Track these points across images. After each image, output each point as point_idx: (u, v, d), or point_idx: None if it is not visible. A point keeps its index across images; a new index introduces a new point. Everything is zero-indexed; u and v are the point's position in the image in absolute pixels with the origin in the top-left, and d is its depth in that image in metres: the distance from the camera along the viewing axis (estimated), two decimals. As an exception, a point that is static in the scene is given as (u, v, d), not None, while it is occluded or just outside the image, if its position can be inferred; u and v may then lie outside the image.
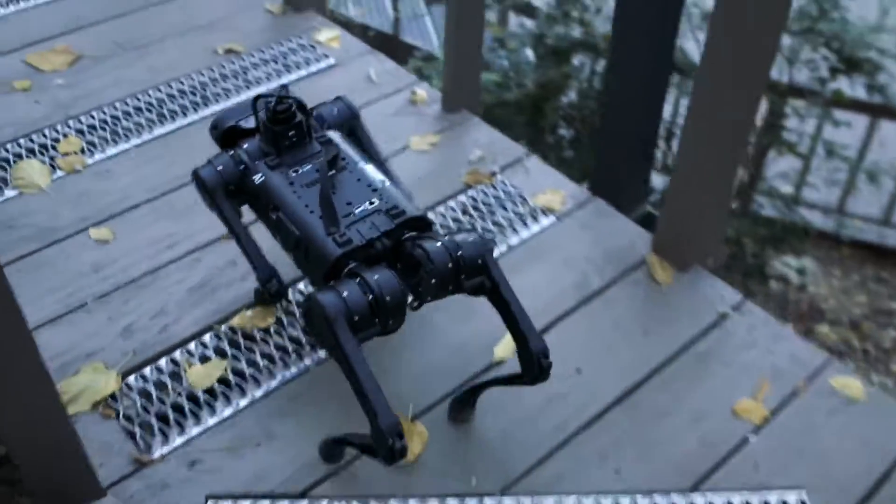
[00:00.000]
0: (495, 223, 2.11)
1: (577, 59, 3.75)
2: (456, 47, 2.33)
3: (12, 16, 2.80)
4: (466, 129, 2.39)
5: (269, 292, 1.72)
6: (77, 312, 1.88)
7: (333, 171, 1.55)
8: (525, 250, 2.05)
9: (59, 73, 2.53)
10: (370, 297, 1.34)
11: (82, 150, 2.27)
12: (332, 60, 2.61)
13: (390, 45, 5.75)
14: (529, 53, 3.88)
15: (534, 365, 1.44)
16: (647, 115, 2.47)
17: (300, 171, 1.55)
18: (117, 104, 2.42)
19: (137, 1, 2.85)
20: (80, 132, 2.33)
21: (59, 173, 2.21)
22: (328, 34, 2.71)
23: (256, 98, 1.59)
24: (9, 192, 2.16)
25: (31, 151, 2.27)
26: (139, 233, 2.05)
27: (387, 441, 1.29)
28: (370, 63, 2.61)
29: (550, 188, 2.21)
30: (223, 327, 1.85)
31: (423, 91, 2.49)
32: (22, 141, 2.30)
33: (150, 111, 2.41)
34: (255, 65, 2.58)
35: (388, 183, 1.56)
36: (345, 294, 1.33)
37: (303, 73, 2.56)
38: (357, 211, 1.48)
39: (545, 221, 2.13)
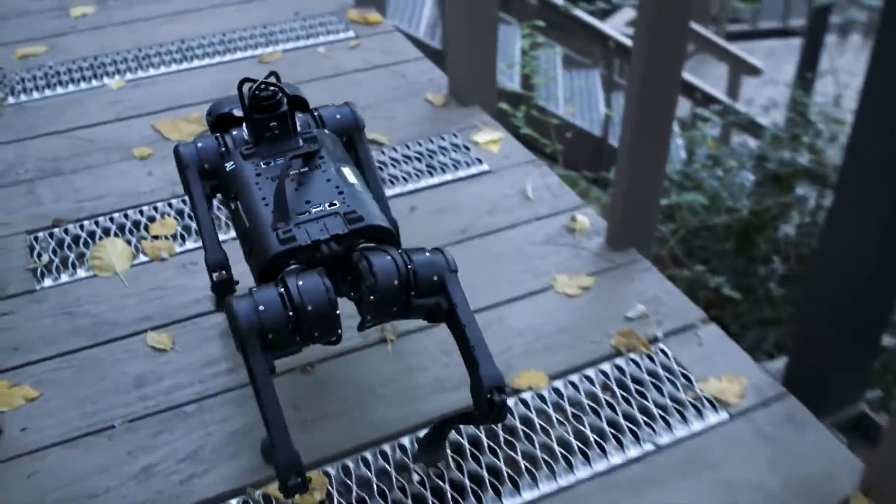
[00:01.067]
0: (643, 409, 1.59)
1: (800, 189, 3.29)
2: (630, 172, 1.86)
3: (160, 77, 2.63)
4: (630, 275, 1.90)
5: (216, 282, 1.45)
6: (99, 436, 1.55)
7: (304, 168, 1.41)
8: (676, 455, 1.52)
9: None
10: (289, 310, 1.23)
11: (174, 236, 1.98)
12: (485, 166, 2.21)
13: (597, 147, 5.36)
14: (748, 176, 3.44)
15: (483, 399, 1.26)
16: (881, 278, 1.85)
17: (271, 164, 1.43)
18: (231, 187, 2.14)
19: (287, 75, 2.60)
20: (180, 214, 2.06)
21: (142, 258, 1.93)
22: (488, 136, 2.32)
23: (242, 81, 1.46)
24: (81, 272, 1.90)
25: (121, 228, 2.01)
26: (200, 347, 1.71)
27: (283, 476, 1.22)
28: (529, 175, 2.18)
29: (728, 372, 1.67)
30: (257, 493, 1.45)
31: (585, 218, 2.03)
32: (116, 215, 2.05)
33: (263, 200, 2.10)
34: (395, 161, 2.23)
35: (358, 187, 1.40)
36: (261, 308, 1.23)
37: (447, 176, 2.18)
38: (314, 210, 1.34)
39: (712, 419, 1.58)
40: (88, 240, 1.98)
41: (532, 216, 2.05)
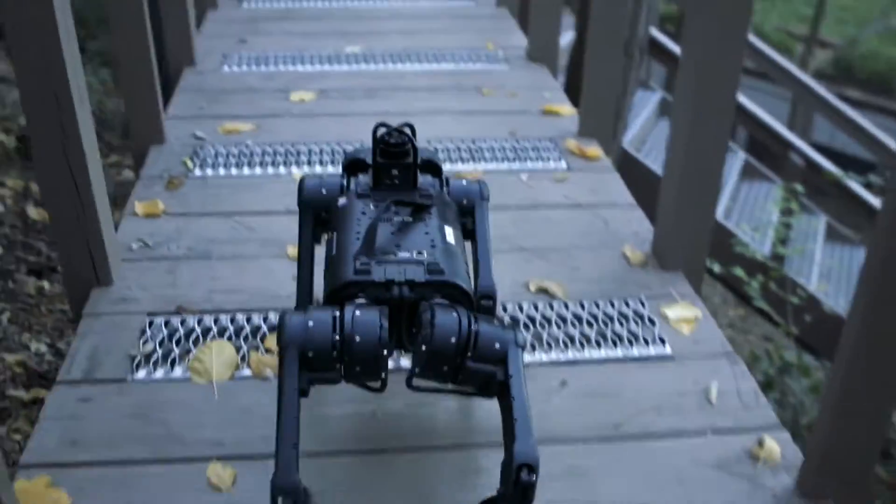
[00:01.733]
0: None
1: None
2: (839, 403, 1.40)
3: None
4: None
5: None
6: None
7: (409, 218, 1.44)
8: None
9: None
10: (337, 335, 1.23)
11: (286, 353, 1.75)
12: (667, 349, 1.82)
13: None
14: None
15: (510, 476, 1.17)
16: None
17: (380, 207, 1.45)
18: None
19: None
20: (302, 329, 1.83)
21: (245, 372, 1.71)
22: (683, 312, 1.93)
23: (377, 126, 1.50)
24: (178, 371, 1.71)
25: (238, 331, 1.81)
26: (264, 488, 1.43)
27: (273, 497, 1.16)
28: (720, 372, 1.76)
29: None
30: None
31: (776, 446, 1.58)
32: (240, 316, 1.86)
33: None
34: (562, 319, 1.89)
35: (453, 247, 1.41)
36: (310, 324, 1.24)
37: (618, 352, 1.80)
38: (400, 254, 1.36)
39: None
40: (201, 337, 1.80)
41: (708, 427, 1.62)
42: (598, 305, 1.94)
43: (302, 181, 1.56)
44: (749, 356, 3.50)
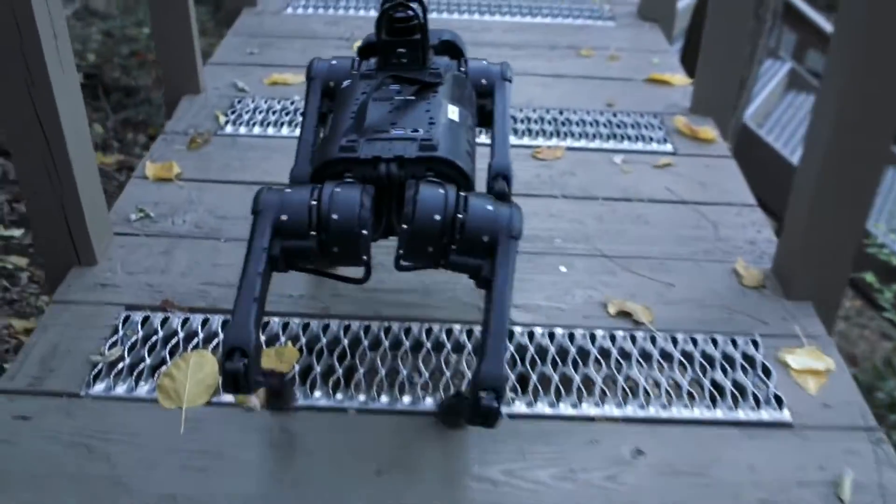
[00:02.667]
0: None
1: None
2: None
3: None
4: None
5: (227, 371, 1.11)
6: None
7: (411, 97, 1.33)
8: None
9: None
10: (314, 204, 1.16)
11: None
12: (784, 414, 1.36)
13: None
14: None
15: (473, 396, 1.09)
16: None
17: (385, 87, 1.35)
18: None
19: (560, 182, 1.92)
20: (312, 346, 1.45)
21: (225, 397, 1.34)
22: (810, 360, 1.46)
23: (384, 1, 1.37)
24: (143, 389, 1.36)
25: (227, 340, 1.44)
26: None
27: (224, 352, 1.10)
28: (858, 456, 1.29)
29: None
30: None
31: (936, 583, 1.11)
32: (233, 319, 1.48)
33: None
34: (647, 357, 1.45)
35: (454, 125, 1.29)
36: (287, 191, 1.19)
37: (716, 413, 1.35)
38: (394, 132, 1.25)
39: None
40: (182, 343, 1.44)
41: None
42: (694, 342, 1.49)
43: (311, 63, 1.47)
44: (872, 371, 2.98)
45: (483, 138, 1.63)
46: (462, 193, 1.19)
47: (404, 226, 1.16)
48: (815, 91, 5.95)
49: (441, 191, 1.17)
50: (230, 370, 1.08)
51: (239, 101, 2.23)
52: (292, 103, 2.23)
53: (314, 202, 1.16)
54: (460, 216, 1.16)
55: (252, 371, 1.09)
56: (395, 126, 1.27)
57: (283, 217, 1.16)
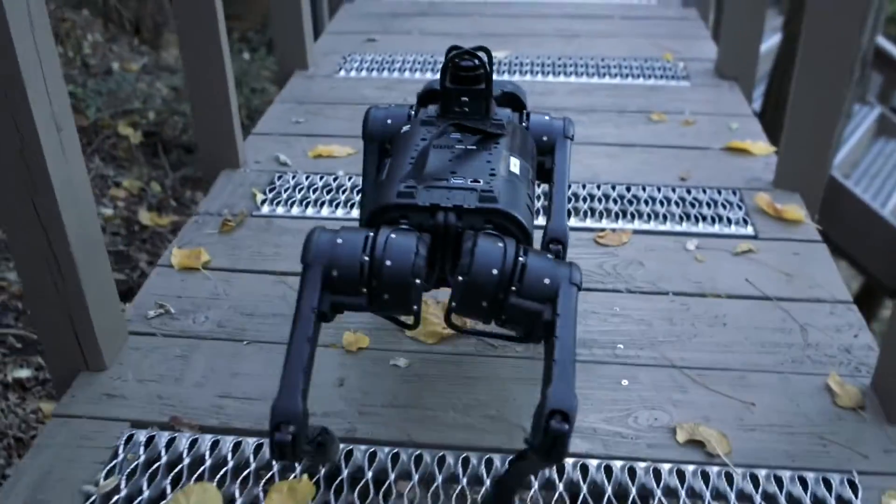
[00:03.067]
0: None
1: None
2: None
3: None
4: None
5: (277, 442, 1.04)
6: None
7: (472, 146, 1.31)
8: None
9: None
10: (366, 256, 1.12)
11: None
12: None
13: None
14: None
15: (540, 426, 1.00)
16: None
17: (447, 134, 1.33)
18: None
19: (624, 275, 1.72)
20: (331, 481, 1.27)
21: (228, 542, 1.17)
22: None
23: (451, 49, 1.36)
24: (139, 529, 1.19)
25: (240, 466, 1.28)
26: None
27: (271, 424, 1.04)
28: None
29: None
30: None
31: None
32: (250, 442, 1.32)
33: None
34: (723, 501, 1.23)
35: (515, 178, 1.26)
36: (339, 241, 1.14)
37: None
38: (454, 181, 1.23)
39: None
40: (186, 471, 1.28)
41: None
42: (779, 482, 1.26)
43: (368, 111, 1.46)
44: None
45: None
46: (523, 247, 1.16)
47: (460, 277, 1.12)
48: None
49: (500, 244, 1.14)
50: (279, 442, 1.04)
51: (280, 177, 2.10)
52: (335, 179, 2.08)
53: (367, 258, 1.12)
54: (522, 259, 1.13)
55: (300, 441, 1.05)
56: (455, 175, 1.25)
57: (335, 273, 1.12)
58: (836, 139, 3.47)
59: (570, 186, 1.47)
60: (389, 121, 1.44)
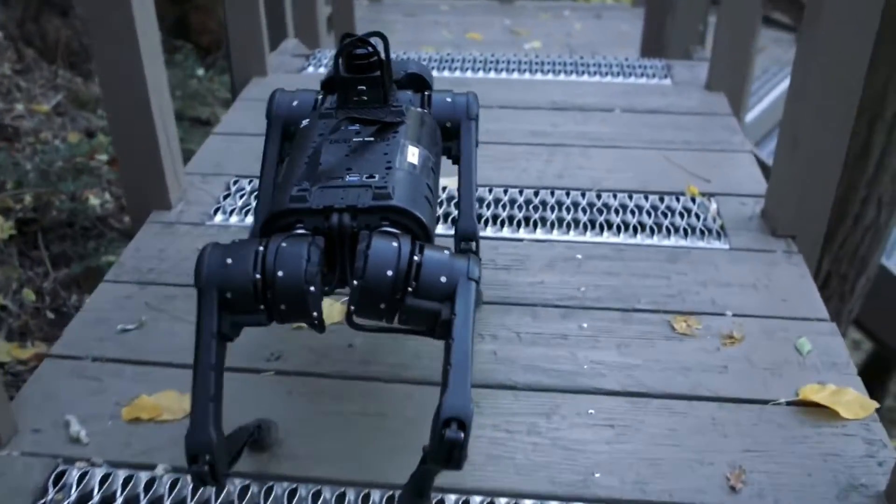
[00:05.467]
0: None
1: None
2: None
3: None
4: None
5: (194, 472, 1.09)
6: None
7: (370, 138, 1.29)
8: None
9: None
10: (258, 273, 1.11)
11: None
12: None
13: None
14: None
15: (436, 433, 1.02)
16: None
17: (343, 127, 1.32)
18: None
19: None
20: None
21: None
22: None
23: (344, 36, 1.34)
24: None
25: None
26: None
27: (188, 456, 1.07)
28: None
29: None
30: None
31: None
32: None
33: None
34: None
35: (413, 168, 1.25)
36: (229, 261, 1.12)
37: None
38: (349, 178, 1.21)
39: None
40: None
41: None
42: None
43: (273, 93, 1.45)
44: None
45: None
46: (419, 243, 1.14)
47: (355, 282, 1.11)
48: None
49: (394, 244, 1.12)
50: (196, 473, 1.06)
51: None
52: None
53: (258, 275, 1.10)
54: (416, 258, 1.11)
55: (219, 468, 1.07)
56: (351, 171, 1.22)
57: (228, 295, 1.10)
58: None
59: None
60: (295, 103, 1.42)
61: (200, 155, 2.22)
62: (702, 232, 1.88)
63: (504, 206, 1.97)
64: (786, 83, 3.42)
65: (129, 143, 1.89)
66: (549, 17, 5.95)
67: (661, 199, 1.99)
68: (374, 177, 1.20)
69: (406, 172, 1.22)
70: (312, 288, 1.10)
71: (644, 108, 2.47)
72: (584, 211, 1.94)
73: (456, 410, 1.01)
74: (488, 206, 1.96)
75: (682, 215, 1.94)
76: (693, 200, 2.00)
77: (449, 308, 1.10)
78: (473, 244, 1.30)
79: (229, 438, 1.14)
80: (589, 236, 1.87)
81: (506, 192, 2.01)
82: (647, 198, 2.00)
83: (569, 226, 1.90)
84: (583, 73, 2.68)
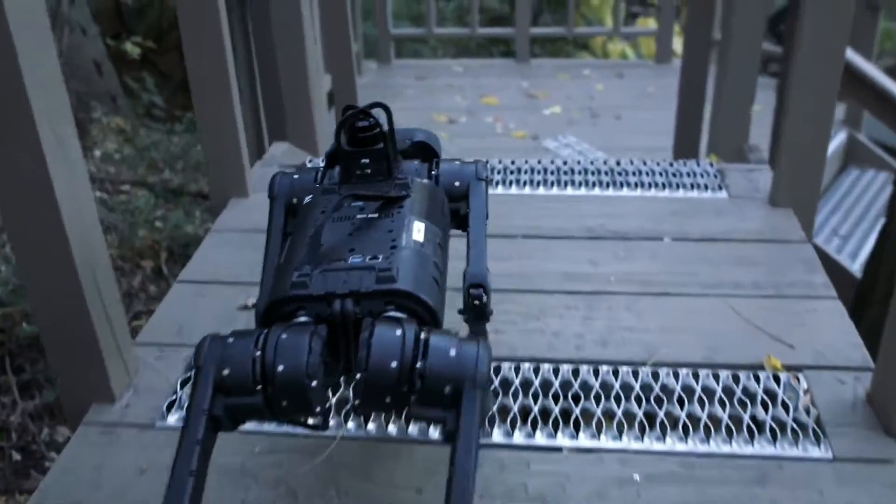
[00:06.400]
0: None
1: None
2: None
3: None
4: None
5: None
6: None
7: (374, 214, 1.24)
8: None
9: None
10: (258, 356, 1.07)
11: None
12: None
13: None
14: None
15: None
16: None
17: (346, 204, 1.27)
18: None
19: None
20: None
21: None
22: None
23: (346, 108, 1.30)
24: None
25: None
26: None
27: None
28: None
29: None
30: None
31: None
32: None
33: None
34: None
35: (419, 247, 1.19)
36: (230, 340, 1.10)
37: None
38: (352, 260, 1.16)
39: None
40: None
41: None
42: None
43: (273, 178, 1.40)
44: None
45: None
46: (423, 335, 1.07)
47: (358, 375, 1.05)
48: None
49: (398, 332, 1.06)
50: None
51: None
52: None
53: (258, 352, 1.07)
54: (419, 365, 1.04)
55: None
56: (354, 252, 1.17)
57: (225, 372, 1.07)
58: None
59: None
60: (296, 185, 1.37)
61: (160, 314, 1.81)
62: (794, 432, 1.45)
63: (536, 395, 1.54)
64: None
65: (50, 314, 1.50)
66: (567, 77, 5.58)
67: (736, 379, 1.57)
68: (377, 258, 1.15)
69: (412, 251, 1.17)
70: (314, 382, 1.06)
71: (699, 233, 2.04)
72: (638, 401, 1.52)
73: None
74: (515, 396, 1.54)
75: (764, 405, 1.51)
76: (776, 379, 1.57)
77: (454, 417, 1.04)
78: (484, 294, 1.24)
79: None
80: (648, 442, 1.44)
81: (537, 370, 1.59)
82: (716, 376, 1.57)
83: (620, 426, 1.47)
84: (621, 184, 2.26)
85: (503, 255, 1.95)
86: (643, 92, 5.16)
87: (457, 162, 1.42)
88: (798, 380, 1.56)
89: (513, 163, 2.39)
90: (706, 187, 2.24)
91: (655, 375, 1.58)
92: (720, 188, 2.24)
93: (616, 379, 1.57)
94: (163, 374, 1.63)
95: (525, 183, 2.28)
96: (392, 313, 1.10)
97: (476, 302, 1.22)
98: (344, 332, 1.11)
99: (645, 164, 2.38)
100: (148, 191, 4.60)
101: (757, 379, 1.57)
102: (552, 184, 2.27)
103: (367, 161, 1.31)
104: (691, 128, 3.40)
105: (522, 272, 1.89)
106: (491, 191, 2.25)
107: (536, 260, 1.94)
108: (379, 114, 1.29)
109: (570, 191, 2.25)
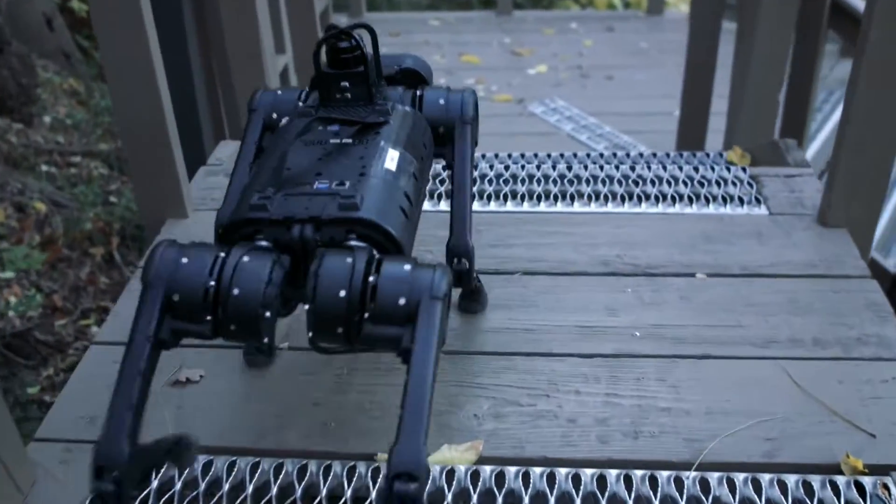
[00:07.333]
0: None
1: None
2: None
3: None
4: None
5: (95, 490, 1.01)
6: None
7: (348, 140, 1.20)
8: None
9: None
10: (212, 282, 1.02)
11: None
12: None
13: None
14: None
15: (386, 484, 0.97)
16: None
17: (319, 128, 1.24)
18: None
19: None
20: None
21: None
22: None
23: (328, 28, 1.26)
24: None
25: None
26: None
27: (93, 466, 0.98)
28: None
29: None
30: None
31: None
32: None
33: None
34: None
35: (388, 175, 1.15)
36: (184, 260, 1.04)
37: None
38: (317, 185, 1.12)
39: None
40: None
41: None
42: None
43: (255, 92, 1.38)
44: None
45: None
46: (377, 256, 1.04)
47: (307, 306, 1.02)
48: None
49: (348, 260, 1.02)
50: (97, 490, 0.97)
51: None
52: None
53: (213, 283, 1.02)
54: (371, 279, 1.01)
55: (127, 486, 0.97)
56: (321, 177, 1.13)
57: (175, 297, 1.02)
58: None
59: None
60: (280, 93, 1.36)
61: (67, 395, 1.43)
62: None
63: (550, 516, 1.19)
64: None
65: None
66: (553, 31, 5.14)
67: (808, 488, 1.21)
68: (344, 184, 1.11)
69: (380, 180, 1.14)
70: (268, 313, 1.02)
71: (739, 266, 1.67)
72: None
73: (405, 465, 0.92)
74: (525, 520, 1.19)
75: (843, 520, 1.17)
76: (858, 488, 1.22)
77: (410, 333, 1.00)
78: (466, 263, 1.26)
79: (143, 453, 1.00)
80: None
81: (552, 479, 1.23)
82: (782, 484, 1.22)
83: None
84: (639, 198, 1.87)
85: (500, 299, 1.58)
86: (635, 48, 4.76)
87: (441, 97, 1.35)
88: (888, 490, 1.22)
89: (507, 169, 1.99)
90: (741, 201, 1.86)
91: (704, 484, 1.22)
92: (758, 201, 1.86)
93: (655, 491, 1.22)
94: (69, 486, 1.25)
95: (523, 197, 1.89)
96: (354, 243, 1.06)
97: (462, 270, 1.24)
98: (304, 260, 1.07)
99: (664, 167, 1.99)
100: (101, 162, 4.19)
101: (835, 488, 1.22)
102: (556, 198, 1.88)
103: (346, 84, 1.26)
104: (700, 99, 3.01)
105: (525, 326, 1.52)
106: (482, 208, 1.87)
107: (541, 308, 1.57)
108: (362, 36, 1.24)
109: (577, 206, 1.86)
